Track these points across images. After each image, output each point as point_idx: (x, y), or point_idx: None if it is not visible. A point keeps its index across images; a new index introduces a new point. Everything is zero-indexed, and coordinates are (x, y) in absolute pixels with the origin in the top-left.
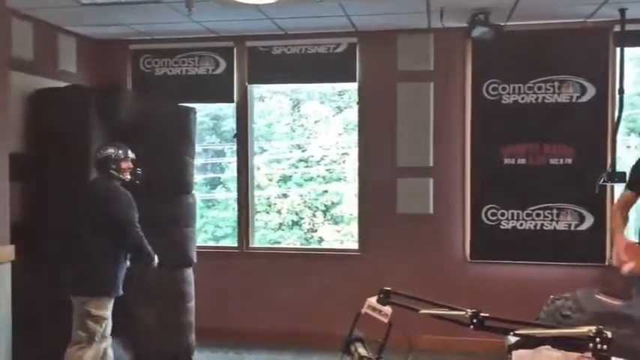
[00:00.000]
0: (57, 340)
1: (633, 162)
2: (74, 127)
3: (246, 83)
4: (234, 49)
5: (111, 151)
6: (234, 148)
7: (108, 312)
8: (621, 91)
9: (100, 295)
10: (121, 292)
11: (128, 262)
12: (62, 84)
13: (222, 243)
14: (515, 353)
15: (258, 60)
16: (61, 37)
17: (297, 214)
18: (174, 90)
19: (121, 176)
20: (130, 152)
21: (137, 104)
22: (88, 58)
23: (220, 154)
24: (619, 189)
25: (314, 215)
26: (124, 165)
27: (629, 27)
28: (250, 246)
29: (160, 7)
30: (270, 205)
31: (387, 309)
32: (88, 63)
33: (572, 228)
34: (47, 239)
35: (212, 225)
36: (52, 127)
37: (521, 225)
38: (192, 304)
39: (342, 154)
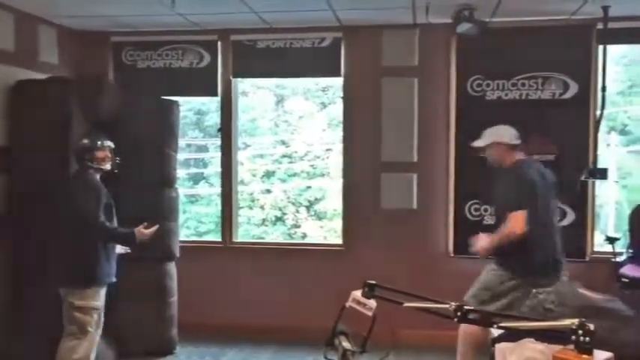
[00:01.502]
0: (45, 333)
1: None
2: (55, 118)
3: (231, 77)
4: (219, 43)
5: (85, 141)
6: (218, 143)
7: (97, 302)
8: (603, 89)
9: (81, 285)
10: (109, 280)
11: (118, 249)
12: (43, 75)
13: (205, 238)
14: (499, 346)
15: (242, 53)
16: (42, 29)
17: (280, 209)
18: (157, 83)
19: (99, 166)
20: (107, 141)
21: (119, 97)
22: (70, 49)
23: (203, 149)
24: (600, 185)
25: (297, 211)
26: (100, 154)
27: (611, 25)
28: (234, 241)
29: None
30: (253, 201)
31: (372, 302)
32: (69, 55)
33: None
34: (29, 232)
35: (195, 220)
36: (33, 119)
37: None
38: (174, 298)
39: (326, 149)
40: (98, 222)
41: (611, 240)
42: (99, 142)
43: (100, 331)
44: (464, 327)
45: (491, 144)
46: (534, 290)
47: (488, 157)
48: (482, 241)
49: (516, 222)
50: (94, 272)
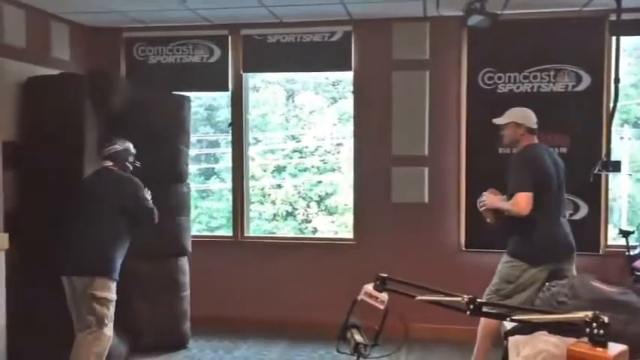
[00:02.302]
0: (52, 329)
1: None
2: (67, 114)
3: (241, 72)
4: (229, 38)
5: (129, 144)
6: (229, 138)
7: (113, 294)
8: (617, 81)
9: (107, 275)
10: (118, 276)
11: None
12: (55, 71)
13: (217, 233)
14: (512, 339)
15: (253, 48)
16: (53, 24)
17: (291, 204)
18: (168, 78)
19: (130, 167)
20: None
21: (131, 92)
22: (81, 45)
23: (214, 144)
24: (613, 178)
25: (308, 206)
26: (132, 159)
27: (624, 16)
28: (245, 235)
29: None
30: (264, 196)
31: (384, 295)
32: (81, 50)
33: (567, 217)
34: (39, 227)
35: (206, 216)
36: (44, 115)
37: None
38: (186, 293)
39: (337, 144)
40: (153, 207)
41: (625, 233)
42: (133, 149)
43: (111, 325)
44: (484, 321)
45: (511, 123)
46: (547, 283)
47: (504, 137)
48: (492, 199)
49: (521, 201)
50: (115, 264)
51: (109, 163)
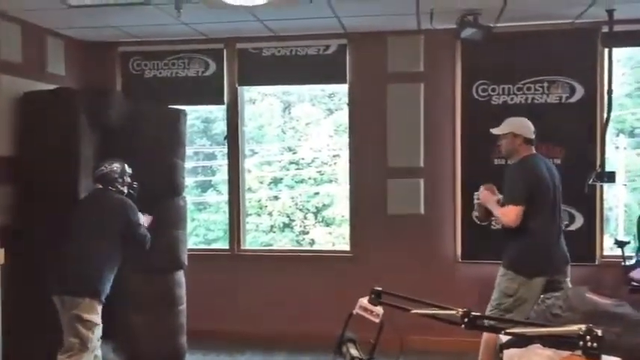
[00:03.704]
0: (47, 344)
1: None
2: (63, 129)
3: (237, 85)
4: (224, 51)
5: (118, 165)
6: (225, 150)
7: (98, 317)
8: (610, 92)
9: (92, 295)
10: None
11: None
12: (51, 86)
13: (214, 246)
14: (507, 352)
15: (248, 62)
16: (49, 40)
17: (288, 216)
18: (164, 92)
19: (123, 189)
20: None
21: (127, 107)
22: (77, 60)
23: (211, 157)
24: (608, 189)
25: (305, 217)
26: (128, 180)
27: (616, 28)
28: (242, 248)
29: (149, 9)
30: (261, 208)
31: (379, 309)
32: (76, 65)
33: (563, 228)
34: (35, 242)
35: (203, 228)
36: (40, 130)
37: None
38: (183, 307)
39: (333, 155)
40: (146, 234)
41: (621, 244)
42: (129, 169)
43: (97, 352)
44: (486, 333)
45: (509, 134)
46: (542, 295)
47: (501, 147)
48: (486, 197)
49: (511, 213)
50: (105, 287)
51: (99, 186)
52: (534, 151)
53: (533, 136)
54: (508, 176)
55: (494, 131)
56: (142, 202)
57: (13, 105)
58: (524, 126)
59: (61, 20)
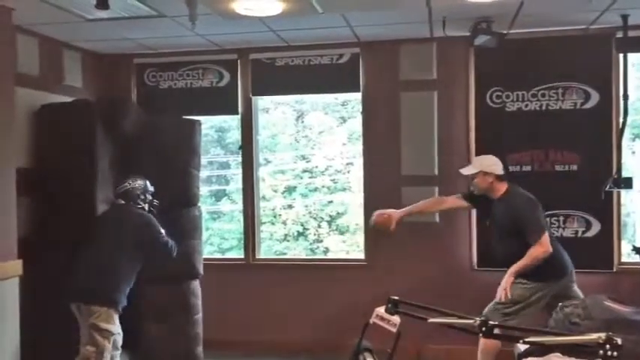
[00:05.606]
0: (64, 355)
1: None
2: (80, 141)
3: (250, 95)
4: (238, 62)
5: (141, 182)
6: (239, 159)
7: (116, 327)
8: (625, 97)
9: (109, 304)
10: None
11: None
12: (68, 99)
13: (228, 255)
14: None
15: (261, 72)
16: (66, 53)
17: (302, 224)
18: (178, 103)
19: (145, 206)
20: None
21: (142, 118)
22: (93, 72)
23: (225, 166)
24: (625, 195)
25: (319, 226)
26: (149, 197)
27: (631, 33)
28: (256, 257)
29: (164, 21)
30: (275, 217)
31: (396, 318)
32: (93, 77)
33: (579, 235)
34: (53, 253)
35: (218, 237)
36: (57, 142)
37: None
38: (199, 316)
39: (347, 164)
40: (171, 242)
41: (639, 250)
42: (151, 187)
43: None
44: (483, 342)
45: (479, 173)
46: (560, 304)
47: (476, 185)
48: (505, 284)
49: (545, 242)
50: (124, 297)
51: (122, 202)
52: (507, 185)
53: (503, 172)
54: (505, 213)
55: (464, 171)
56: (157, 212)
57: (30, 117)
58: (493, 164)
59: (77, 33)
